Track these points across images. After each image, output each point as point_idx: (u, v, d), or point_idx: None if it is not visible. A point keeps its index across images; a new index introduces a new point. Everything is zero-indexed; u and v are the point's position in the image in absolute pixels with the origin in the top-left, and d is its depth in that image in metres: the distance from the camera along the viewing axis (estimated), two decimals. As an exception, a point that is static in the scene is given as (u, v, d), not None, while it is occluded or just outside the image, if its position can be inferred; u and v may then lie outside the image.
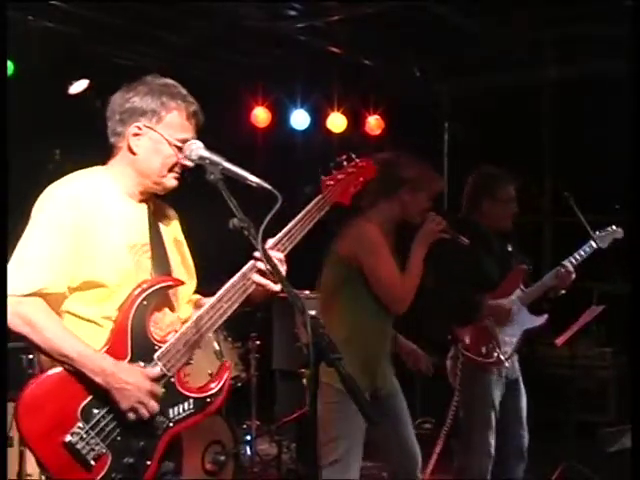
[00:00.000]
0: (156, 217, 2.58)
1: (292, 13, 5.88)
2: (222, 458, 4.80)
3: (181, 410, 2.45)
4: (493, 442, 4.13)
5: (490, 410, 4.12)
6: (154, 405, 2.36)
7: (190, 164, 2.46)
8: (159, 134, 2.44)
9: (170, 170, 2.48)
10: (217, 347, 5.02)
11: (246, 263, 2.46)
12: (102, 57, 6.03)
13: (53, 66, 5.63)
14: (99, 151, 2.57)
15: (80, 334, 2.35)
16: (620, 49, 4.60)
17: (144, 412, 2.34)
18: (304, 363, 4.88)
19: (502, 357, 4.12)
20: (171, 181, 2.50)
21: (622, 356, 6.49)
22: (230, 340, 5.23)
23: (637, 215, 3.45)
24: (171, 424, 2.43)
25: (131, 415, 2.33)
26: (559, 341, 4.79)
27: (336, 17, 5.90)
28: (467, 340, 4.11)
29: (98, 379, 2.30)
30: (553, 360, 6.55)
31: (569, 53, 6.51)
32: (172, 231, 2.66)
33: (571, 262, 4.29)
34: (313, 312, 2.12)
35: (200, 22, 5.96)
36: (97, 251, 2.37)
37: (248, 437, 5.56)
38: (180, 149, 2.45)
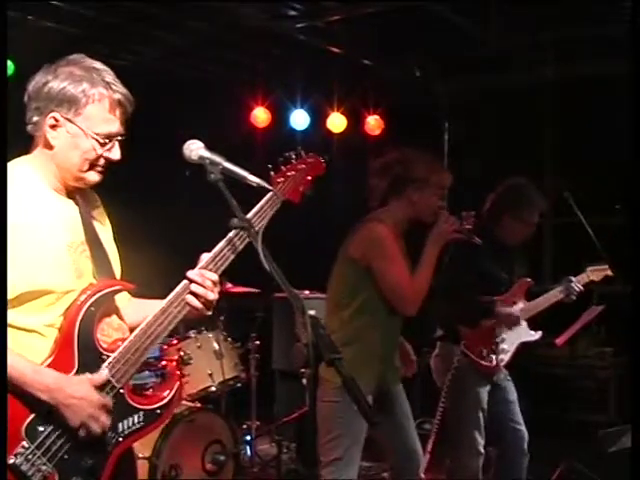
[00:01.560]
0: (86, 211, 2.39)
1: (292, 13, 5.88)
2: (222, 458, 4.80)
3: (131, 423, 2.28)
4: (482, 441, 4.16)
5: (478, 409, 4.15)
6: (105, 419, 2.18)
7: (116, 158, 2.30)
8: (78, 127, 2.23)
9: (92, 165, 2.27)
10: (216, 347, 5.02)
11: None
12: (102, 57, 6.02)
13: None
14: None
15: (21, 346, 2.15)
16: (620, 49, 4.59)
17: (95, 427, 2.16)
18: (304, 363, 4.88)
19: (500, 364, 4.19)
20: (93, 176, 2.29)
21: (622, 356, 6.49)
22: (230, 340, 5.23)
23: (637, 215, 3.45)
24: (120, 439, 2.26)
25: (82, 432, 2.15)
26: (559, 341, 4.79)
27: (336, 17, 5.90)
28: (469, 341, 4.14)
29: (43, 396, 2.11)
30: (553, 360, 6.55)
31: (569, 53, 6.51)
32: (103, 224, 2.49)
33: (577, 285, 4.32)
34: (313, 312, 2.11)
35: (200, 22, 5.96)
36: (33, 256, 2.16)
37: (248, 437, 5.57)
38: (102, 144, 2.25)
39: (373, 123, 7.62)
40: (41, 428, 2.14)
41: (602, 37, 5.93)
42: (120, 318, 2.39)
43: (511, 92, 6.96)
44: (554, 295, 4.33)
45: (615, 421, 6.09)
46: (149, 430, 2.33)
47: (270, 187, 2.30)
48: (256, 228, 2.35)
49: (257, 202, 2.36)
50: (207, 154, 2.33)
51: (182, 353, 4.84)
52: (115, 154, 2.30)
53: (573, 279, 4.32)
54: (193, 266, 2.34)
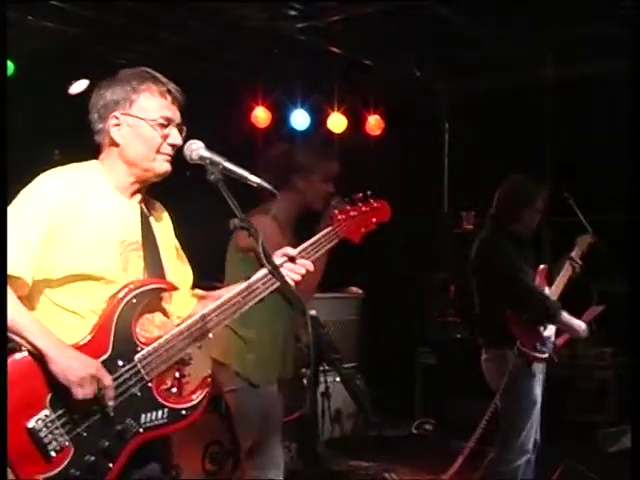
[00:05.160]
0: (148, 214, 2.53)
1: (292, 13, 5.88)
2: (222, 458, 4.80)
3: (154, 418, 2.35)
4: (532, 440, 4.24)
5: (533, 408, 4.24)
6: (90, 391, 2.19)
7: (178, 142, 2.43)
8: (136, 117, 2.41)
9: (158, 152, 2.43)
10: (217, 347, 5.01)
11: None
12: (102, 57, 6.04)
13: (53, 66, 5.64)
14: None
15: (62, 325, 2.30)
16: (620, 49, 4.60)
17: (78, 391, 2.18)
18: (304, 363, 4.88)
19: (553, 354, 4.30)
20: (162, 165, 2.44)
21: (622, 356, 6.49)
22: (230, 340, 5.22)
23: (637, 215, 3.46)
24: (141, 430, 2.32)
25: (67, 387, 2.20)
26: (559, 341, 4.80)
27: (336, 17, 5.90)
28: (523, 338, 4.20)
29: (40, 341, 2.18)
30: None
31: (569, 53, 6.51)
32: (164, 229, 2.61)
33: (577, 260, 4.47)
34: (313, 312, 2.12)
35: (200, 22, 5.96)
36: (83, 243, 2.32)
37: (248, 437, 5.55)
38: (162, 127, 2.42)
39: (373, 123, 7.61)
40: (65, 401, 2.22)
41: (602, 37, 5.92)
42: (165, 316, 2.49)
43: (511, 92, 6.96)
44: (565, 274, 4.44)
45: (615, 421, 6.09)
46: (173, 429, 2.40)
47: (270, 187, 2.29)
48: (311, 259, 2.49)
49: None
50: (207, 154, 2.36)
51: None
52: (176, 138, 2.43)
53: (572, 254, 4.44)
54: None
